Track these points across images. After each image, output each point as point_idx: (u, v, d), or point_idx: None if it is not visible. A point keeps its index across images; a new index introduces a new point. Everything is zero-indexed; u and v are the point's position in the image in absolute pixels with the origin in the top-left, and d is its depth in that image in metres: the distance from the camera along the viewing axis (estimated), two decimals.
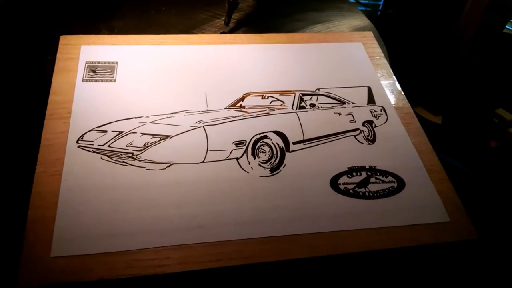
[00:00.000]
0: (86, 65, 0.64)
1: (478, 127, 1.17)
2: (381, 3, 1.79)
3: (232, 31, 0.76)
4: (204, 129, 0.58)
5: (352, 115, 0.65)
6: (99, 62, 0.65)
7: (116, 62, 0.66)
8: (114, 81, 0.63)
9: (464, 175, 1.13)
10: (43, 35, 0.70)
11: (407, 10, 1.34)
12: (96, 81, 0.63)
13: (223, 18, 0.75)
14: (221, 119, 0.60)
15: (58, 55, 0.65)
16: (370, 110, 0.66)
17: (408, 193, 0.56)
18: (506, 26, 1.38)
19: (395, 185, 0.57)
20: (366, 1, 1.77)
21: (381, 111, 0.66)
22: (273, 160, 0.57)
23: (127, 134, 0.57)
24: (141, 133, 0.57)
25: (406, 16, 1.35)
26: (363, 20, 0.83)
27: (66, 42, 0.67)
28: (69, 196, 0.50)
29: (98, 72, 0.64)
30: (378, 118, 0.65)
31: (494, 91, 1.15)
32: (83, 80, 0.62)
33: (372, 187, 0.56)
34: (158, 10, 0.77)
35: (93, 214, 0.50)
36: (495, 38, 1.24)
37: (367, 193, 0.55)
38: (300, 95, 0.65)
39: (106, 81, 0.63)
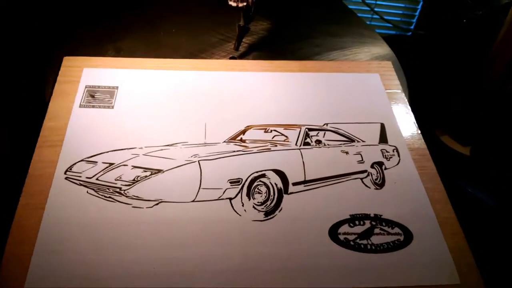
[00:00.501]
0: (86, 89, 0.63)
1: (509, 160, 1.09)
2: (414, 21, 1.72)
3: (242, 55, 0.73)
4: (199, 164, 0.55)
5: (360, 155, 0.60)
6: (99, 87, 0.63)
7: (117, 87, 0.63)
8: (112, 107, 0.61)
9: (493, 211, 1.06)
10: (48, 54, 0.68)
11: (439, 32, 1.27)
12: (93, 107, 0.61)
13: (234, 42, 0.71)
14: (218, 154, 0.57)
15: (59, 78, 0.64)
16: (381, 150, 0.61)
17: (415, 248, 0.51)
18: None
19: (402, 238, 0.52)
20: (399, 18, 1.71)
21: (393, 151, 0.61)
22: (269, 202, 0.53)
23: (117, 167, 0.54)
24: (132, 166, 0.54)
25: (437, 38, 1.29)
26: (383, 48, 0.78)
27: (69, 64, 0.66)
28: (49, 232, 0.48)
29: (97, 97, 0.62)
30: (389, 160, 0.60)
31: None
32: (80, 106, 0.61)
33: (376, 239, 0.51)
34: (168, 32, 0.75)
35: (72, 253, 0.47)
36: None
37: (369, 246, 0.50)
38: (306, 130, 0.61)
39: (104, 107, 0.61)
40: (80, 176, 0.53)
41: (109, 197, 0.52)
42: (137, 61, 0.68)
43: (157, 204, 0.52)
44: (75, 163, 0.54)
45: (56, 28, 0.74)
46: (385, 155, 0.60)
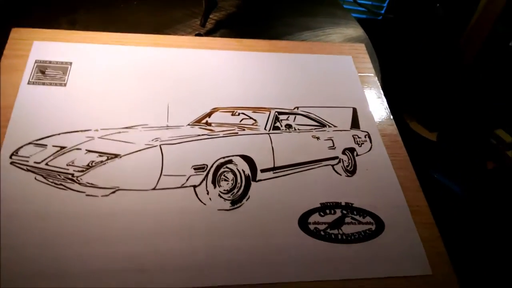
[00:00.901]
0: (35, 64, 0.57)
1: (475, 147, 1.10)
2: (385, 5, 1.71)
3: (209, 33, 0.68)
4: (161, 149, 0.51)
5: (332, 140, 0.57)
6: (50, 62, 0.57)
7: (70, 63, 0.58)
8: (65, 85, 0.56)
9: (458, 196, 1.07)
10: None
11: (411, 16, 1.26)
12: (44, 84, 0.55)
13: (200, 18, 0.67)
14: (181, 138, 0.53)
15: (5, 51, 0.57)
16: (353, 136, 0.58)
17: (387, 238, 0.49)
18: None
19: (373, 227, 0.50)
20: (370, 2, 1.69)
21: (365, 137, 0.58)
22: (236, 190, 0.50)
23: (69, 151, 0.49)
24: (86, 150, 0.50)
25: (409, 22, 1.27)
26: (356, 30, 0.75)
27: (18, 36, 0.60)
28: None
29: (48, 73, 0.56)
30: (361, 146, 0.57)
31: (495, 110, 1.08)
32: (29, 82, 0.55)
33: (347, 229, 0.49)
34: (128, 4, 0.69)
35: (19, 247, 0.42)
36: (501, 51, 1.16)
37: (339, 236, 0.48)
38: (276, 113, 0.58)
39: (55, 84, 0.55)
40: (27, 161, 0.48)
41: (60, 184, 0.47)
42: (93, 35, 0.62)
43: (113, 192, 0.47)
44: (22, 146, 0.49)
45: None
46: (357, 141, 0.58)
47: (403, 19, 1.30)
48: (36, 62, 0.57)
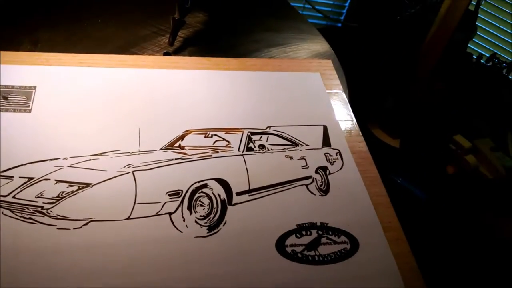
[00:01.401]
0: None
1: (435, 152, 1.15)
2: (344, 11, 1.75)
3: (177, 51, 0.68)
4: (134, 175, 0.50)
5: (305, 159, 0.58)
6: (13, 87, 0.55)
7: (35, 87, 0.56)
8: (30, 111, 0.54)
9: (420, 200, 1.11)
10: None
11: (371, 25, 1.29)
12: (7, 110, 0.53)
13: (168, 36, 0.66)
14: (154, 163, 0.52)
15: None
16: (325, 154, 0.59)
17: (362, 256, 0.50)
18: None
19: (348, 246, 0.51)
20: (330, 9, 1.73)
21: (336, 155, 0.60)
22: (212, 215, 0.50)
23: (37, 181, 0.47)
24: (55, 180, 0.48)
25: (369, 31, 1.31)
26: (323, 45, 0.76)
27: None
28: None
29: (11, 99, 0.54)
30: (333, 164, 0.58)
31: (453, 116, 1.13)
32: None
33: (323, 250, 0.50)
34: (92, 22, 0.67)
35: None
36: (459, 59, 1.22)
37: (316, 257, 0.49)
38: (249, 134, 0.58)
39: (20, 111, 0.53)
40: None
41: (29, 218, 0.45)
42: (57, 57, 0.60)
43: (86, 224, 0.46)
44: None
45: None
46: (329, 159, 0.59)
47: (365, 28, 1.33)
48: None
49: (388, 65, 1.14)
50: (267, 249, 0.48)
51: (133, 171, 0.50)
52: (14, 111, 0.53)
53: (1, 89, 0.55)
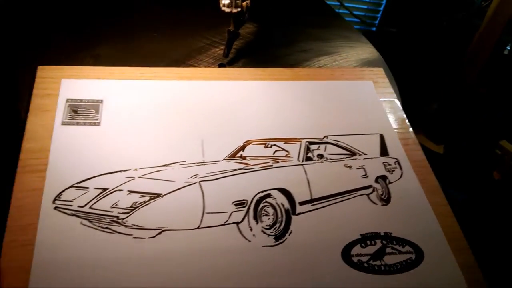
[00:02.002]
0: (67, 103, 0.57)
1: (481, 158, 1.13)
2: (379, 15, 1.73)
3: (231, 62, 0.69)
4: (200, 186, 0.51)
5: (364, 168, 0.58)
6: (81, 100, 0.58)
7: (101, 101, 0.58)
8: (99, 124, 0.56)
9: (466, 207, 1.09)
10: (19, 63, 0.61)
11: (410, 29, 1.28)
12: (77, 123, 0.55)
13: (222, 47, 0.67)
14: (219, 173, 0.53)
15: (34, 91, 0.57)
16: (383, 163, 0.59)
17: (427, 266, 0.50)
18: None
19: (413, 256, 0.51)
20: (363, 13, 1.72)
21: (395, 164, 0.60)
22: (278, 225, 0.51)
23: (111, 192, 0.50)
24: (128, 190, 0.50)
25: (408, 35, 1.30)
26: (372, 52, 0.77)
27: (45, 74, 0.60)
28: (42, 273, 0.43)
29: (80, 112, 0.56)
30: (392, 173, 0.59)
31: (499, 121, 1.11)
32: (62, 123, 0.55)
33: (388, 259, 0.50)
34: (149, 36, 0.69)
35: None
36: (504, 62, 1.19)
37: (382, 267, 0.49)
38: (307, 144, 0.59)
39: (89, 124, 0.56)
40: (71, 205, 0.48)
41: (106, 227, 0.47)
42: (119, 70, 0.62)
43: (159, 233, 0.48)
44: (63, 190, 0.49)
45: (25, 35, 0.66)
46: (388, 168, 0.59)
47: (405, 33, 1.32)
48: (67, 101, 0.57)
49: (432, 71, 1.13)
50: (333, 259, 0.49)
51: (199, 181, 0.52)
52: (84, 124, 0.55)
53: (70, 103, 0.57)
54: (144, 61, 0.65)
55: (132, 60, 0.66)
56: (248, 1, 0.62)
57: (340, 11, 1.57)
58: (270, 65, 0.68)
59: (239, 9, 0.61)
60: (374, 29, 1.77)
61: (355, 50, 0.76)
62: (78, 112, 0.57)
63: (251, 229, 0.50)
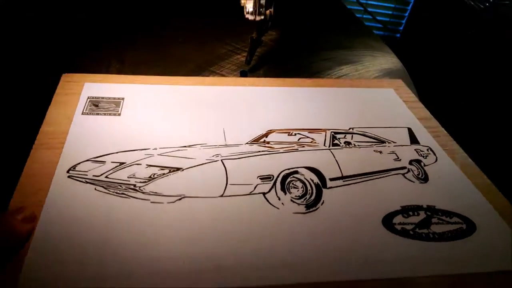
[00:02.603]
0: (88, 99, 0.57)
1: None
2: (403, 21, 1.73)
3: (253, 69, 0.70)
4: (223, 163, 0.48)
5: (395, 153, 0.55)
6: (102, 98, 0.57)
7: (123, 98, 0.58)
8: (119, 115, 0.55)
9: None
10: (47, 69, 0.62)
11: (437, 38, 1.25)
12: (98, 114, 0.54)
13: (244, 54, 0.68)
14: (242, 154, 0.50)
15: (57, 91, 0.58)
16: (415, 150, 0.56)
17: (481, 236, 0.44)
18: None
19: (464, 226, 0.45)
20: (388, 19, 1.71)
21: (427, 150, 0.56)
22: (308, 196, 0.46)
23: (129, 166, 0.47)
24: (146, 164, 0.47)
25: (432, 43, 1.27)
26: (394, 62, 0.77)
27: (69, 79, 0.60)
28: (48, 229, 0.39)
29: (101, 106, 0.56)
30: (426, 158, 0.55)
31: None
32: (83, 113, 0.54)
33: (436, 228, 0.44)
34: (173, 42, 0.71)
35: (78, 252, 0.37)
36: None
37: (431, 235, 0.43)
38: (332, 133, 0.56)
39: (110, 114, 0.55)
40: (86, 175, 0.45)
41: (122, 193, 0.43)
42: (142, 78, 0.63)
43: (179, 199, 0.44)
44: (79, 163, 0.46)
45: (51, 44, 0.69)
46: (420, 154, 0.55)
47: (431, 40, 1.30)
48: (88, 98, 0.57)
49: (459, 79, 1.10)
50: (374, 226, 0.43)
51: (222, 159, 0.49)
52: (105, 114, 0.55)
53: (92, 99, 0.57)
54: (167, 67, 0.66)
55: (156, 66, 0.67)
56: (271, 10, 0.63)
57: (364, 16, 1.57)
58: (292, 73, 0.69)
59: (262, 17, 0.62)
60: (398, 35, 1.75)
61: (377, 59, 0.77)
62: (99, 106, 0.56)
63: (279, 199, 0.45)
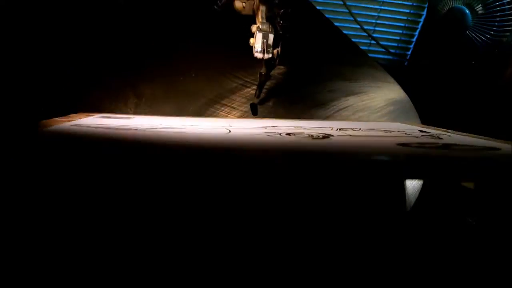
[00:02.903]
0: (99, 115, 0.59)
1: None
2: (411, 46, 1.65)
3: (262, 101, 0.73)
4: None
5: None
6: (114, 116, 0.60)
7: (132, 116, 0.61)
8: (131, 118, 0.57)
9: None
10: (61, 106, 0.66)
11: (443, 65, 1.21)
12: (109, 118, 0.57)
13: (254, 87, 0.72)
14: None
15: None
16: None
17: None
18: None
19: None
20: (396, 44, 1.65)
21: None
22: None
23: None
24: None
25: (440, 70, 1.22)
26: (399, 93, 0.79)
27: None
28: None
29: (112, 117, 0.58)
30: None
31: None
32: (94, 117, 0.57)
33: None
34: (187, 76, 0.75)
35: None
36: None
37: None
38: None
39: (123, 118, 0.57)
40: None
41: None
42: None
43: None
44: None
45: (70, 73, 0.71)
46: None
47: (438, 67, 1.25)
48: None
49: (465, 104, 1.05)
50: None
51: None
52: (115, 118, 0.57)
53: (102, 115, 0.59)
54: (181, 101, 0.69)
55: (170, 100, 0.70)
56: (278, 49, 0.68)
57: (372, 42, 1.53)
58: (299, 104, 0.71)
59: (270, 56, 0.66)
60: (406, 63, 1.67)
61: (382, 90, 0.78)
62: (110, 118, 0.58)
63: None
